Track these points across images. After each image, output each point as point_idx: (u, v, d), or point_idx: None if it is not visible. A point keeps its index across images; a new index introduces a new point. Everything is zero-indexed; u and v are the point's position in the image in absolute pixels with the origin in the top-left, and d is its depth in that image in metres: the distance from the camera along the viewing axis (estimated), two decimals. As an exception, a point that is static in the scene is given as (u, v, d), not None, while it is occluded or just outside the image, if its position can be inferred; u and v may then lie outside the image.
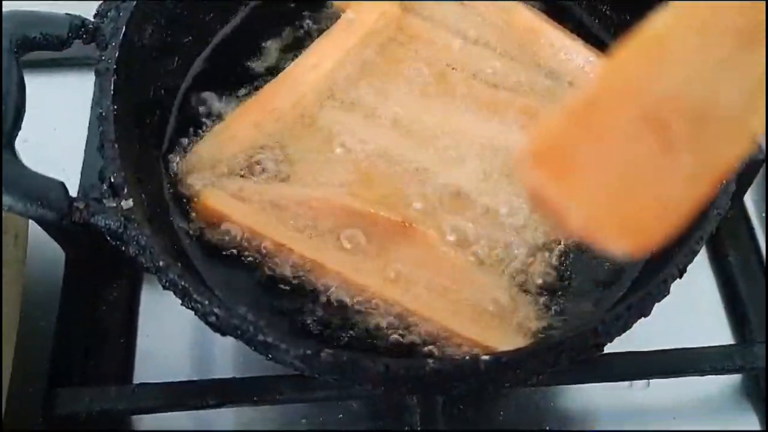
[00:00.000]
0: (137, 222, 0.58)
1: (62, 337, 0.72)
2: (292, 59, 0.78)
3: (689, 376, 0.69)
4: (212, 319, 0.56)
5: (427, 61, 0.79)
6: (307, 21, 0.82)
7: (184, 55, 0.78)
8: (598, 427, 0.73)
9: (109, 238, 0.59)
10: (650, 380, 0.73)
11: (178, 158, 0.72)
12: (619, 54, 0.40)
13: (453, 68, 0.79)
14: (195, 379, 0.69)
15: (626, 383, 0.73)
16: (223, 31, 0.81)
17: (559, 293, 0.67)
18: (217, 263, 0.68)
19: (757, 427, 0.73)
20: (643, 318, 0.58)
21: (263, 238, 0.67)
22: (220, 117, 0.75)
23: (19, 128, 0.60)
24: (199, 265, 0.68)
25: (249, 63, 0.79)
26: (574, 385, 0.73)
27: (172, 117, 0.75)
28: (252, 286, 0.67)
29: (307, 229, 0.69)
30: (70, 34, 0.65)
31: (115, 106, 0.63)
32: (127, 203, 0.59)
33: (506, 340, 0.63)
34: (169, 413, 0.68)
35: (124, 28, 0.66)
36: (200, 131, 0.74)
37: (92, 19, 0.68)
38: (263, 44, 0.80)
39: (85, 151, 0.80)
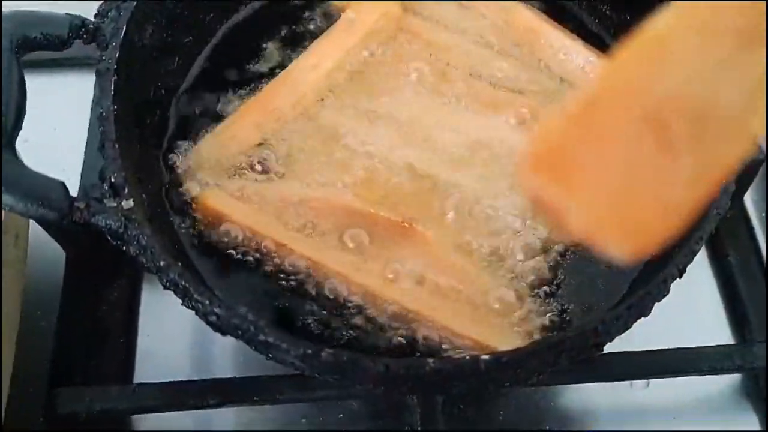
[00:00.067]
0: (138, 222, 0.58)
1: (63, 337, 0.72)
2: (293, 59, 0.78)
3: (689, 375, 0.70)
4: (213, 318, 0.56)
5: (427, 61, 0.79)
6: (308, 21, 0.82)
7: (185, 55, 0.78)
8: (598, 427, 0.73)
9: (109, 238, 0.59)
10: (650, 380, 0.73)
11: (178, 158, 0.72)
12: (619, 55, 0.40)
13: (453, 68, 0.79)
14: (195, 378, 0.69)
15: (626, 383, 0.73)
16: (223, 31, 0.81)
17: (559, 293, 0.67)
18: (217, 263, 0.68)
19: (757, 427, 0.73)
20: (642, 318, 0.58)
21: (263, 238, 0.68)
22: (220, 117, 0.75)
23: (20, 128, 0.60)
24: (200, 265, 0.68)
25: (249, 63, 0.79)
26: (573, 385, 0.73)
27: (172, 117, 0.75)
28: (252, 285, 0.67)
29: (307, 229, 0.69)
30: (70, 34, 0.65)
31: (116, 106, 0.63)
32: (128, 203, 0.59)
33: (506, 339, 0.63)
34: (170, 413, 0.68)
35: (124, 28, 0.66)
36: (201, 131, 0.74)
37: (93, 19, 0.68)
38: (263, 44, 0.80)
39: (85, 151, 0.80)
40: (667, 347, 0.69)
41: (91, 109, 0.81)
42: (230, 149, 0.72)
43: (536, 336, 0.64)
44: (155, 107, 0.74)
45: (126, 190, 0.59)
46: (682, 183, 0.38)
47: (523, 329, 0.65)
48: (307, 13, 0.82)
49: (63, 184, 0.59)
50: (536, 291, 0.67)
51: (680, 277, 0.59)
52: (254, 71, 0.78)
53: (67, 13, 0.66)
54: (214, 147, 0.72)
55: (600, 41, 0.82)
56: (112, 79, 0.64)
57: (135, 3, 0.67)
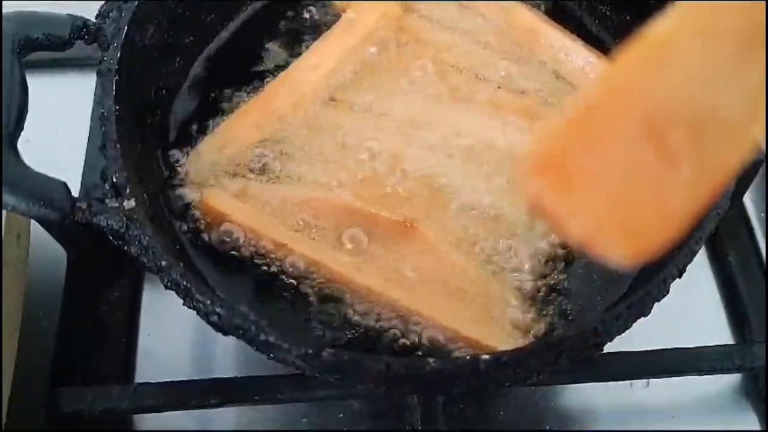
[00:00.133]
0: (139, 222, 0.58)
1: (64, 337, 0.72)
2: (293, 59, 0.78)
3: (689, 375, 0.70)
4: (214, 318, 0.56)
5: (427, 61, 0.79)
6: (308, 21, 0.82)
7: (186, 56, 0.78)
8: (598, 427, 0.73)
9: (111, 238, 0.60)
10: (650, 380, 0.73)
11: (179, 158, 0.72)
12: (619, 60, 0.39)
13: (453, 68, 0.79)
14: (196, 378, 0.69)
15: (626, 383, 0.73)
16: (224, 31, 0.82)
17: (559, 293, 0.67)
18: (218, 263, 0.68)
19: (757, 427, 0.73)
20: (642, 317, 0.58)
21: (264, 238, 0.68)
22: (221, 117, 0.75)
23: (22, 129, 0.60)
24: (201, 264, 0.68)
25: (250, 63, 0.79)
26: (573, 385, 0.73)
27: (173, 117, 0.76)
28: (253, 285, 0.67)
29: (307, 229, 0.69)
30: (72, 35, 0.66)
31: (117, 107, 0.63)
32: (129, 203, 0.59)
33: (506, 339, 0.63)
34: (171, 412, 0.68)
35: (125, 28, 0.66)
36: (201, 131, 0.74)
37: (94, 20, 0.68)
38: (264, 44, 0.81)
39: (86, 151, 0.80)
40: (666, 347, 0.70)
41: (92, 109, 0.81)
42: (231, 149, 0.72)
43: (536, 336, 0.64)
44: (156, 107, 0.74)
45: (127, 190, 0.59)
46: (682, 188, 0.38)
47: (523, 329, 0.65)
48: (307, 14, 0.83)
49: (65, 184, 0.59)
50: (536, 291, 0.67)
51: (680, 277, 0.59)
52: (255, 71, 0.79)
53: (68, 14, 0.66)
54: (215, 147, 0.73)
55: (600, 42, 0.82)
56: (114, 80, 0.64)
57: (136, 3, 0.68)
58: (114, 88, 0.64)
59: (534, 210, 0.38)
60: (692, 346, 0.70)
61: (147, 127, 0.71)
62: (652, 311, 0.59)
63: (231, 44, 0.81)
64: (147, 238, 0.58)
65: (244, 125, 0.74)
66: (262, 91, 0.76)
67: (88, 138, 0.81)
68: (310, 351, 0.54)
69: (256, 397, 0.67)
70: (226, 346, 0.74)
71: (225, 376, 0.69)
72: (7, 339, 0.66)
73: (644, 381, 0.73)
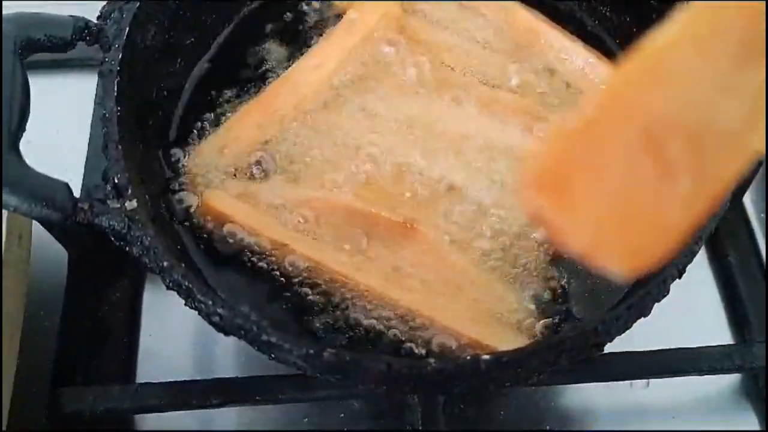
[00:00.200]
0: (141, 223, 0.59)
1: (66, 337, 0.72)
2: (295, 60, 0.78)
3: (689, 375, 0.70)
4: (216, 319, 0.56)
5: (427, 62, 0.79)
6: (309, 22, 0.82)
7: (187, 57, 0.78)
8: (598, 427, 0.73)
9: (113, 239, 0.60)
10: (650, 380, 0.73)
11: (180, 159, 0.72)
12: (617, 74, 0.40)
13: (453, 69, 0.79)
14: (197, 378, 0.69)
15: (626, 383, 0.73)
16: (225, 32, 0.82)
17: (560, 293, 0.67)
18: (219, 263, 0.68)
19: (757, 427, 0.73)
20: (642, 318, 0.58)
21: (265, 238, 0.68)
22: (222, 118, 0.75)
23: (24, 129, 0.60)
24: (202, 265, 0.68)
25: (251, 64, 0.79)
26: (573, 385, 0.73)
27: (174, 118, 0.76)
28: (254, 286, 0.67)
29: (309, 229, 0.69)
30: (73, 36, 0.66)
31: (119, 108, 0.63)
32: (131, 204, 0.59)
33: (507, 339, 0.63)
34: (172, 412, 0.68)
35: (127, 29, 0.66)
36: (203, 132, 0.74)
37: (95, 21, 0.68)
38: (265, 45, 0.81)
39: (87, 151, 0.80)
40: (667, 347, 0.70)
41: (93, 109, 0.81)
42: (232, 150, 0.73)
43: (537, 336, 0.65)
44: (157, 108, 0.74)
45: (129, 191, 0.59)
46: (681, 200, 0.38)
47: (524, 329, 0.65)
48: (308, 14, 0.83)
49: (67, 185, 0.59)
50: (537, 291, 0.67)
51: (680, 277, 0.59)
52: (256, 72, 0.79)
53: (70, 15, 0.67)
54: (216, 148, 0.73)
55: (600, 42, 0.82)
56: (115, 81, 0.64)
57: (137, 4, 0.68)
58: (115, 89, 0.64)
59: (535, 222, 0.38)
60: (692, 346, 0.70)
61: (148, 128, 0.71)
62: (652, 311, 0.59)
63: (232, 45, 0.81)
64: (149, 238, 0.58)
65: (245, 126, 0.74)
66: (263, 92, 0.76)
67: (89, 139, 0.81)
68: (312, 351, 0.54)
69: (257, 398, 0.67)
70: (226, 346, 0.74)
71: (226, 377, 0.69)
72: (8, 339, 0.66)
73: (644, 381, 0.73)
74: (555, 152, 0.39)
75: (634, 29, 0.81)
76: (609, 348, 0.60)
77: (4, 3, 0.71)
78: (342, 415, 0.72)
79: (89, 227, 0.59)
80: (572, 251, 0.37)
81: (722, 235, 0.80)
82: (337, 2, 0.83)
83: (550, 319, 0.65)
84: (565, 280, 0.67)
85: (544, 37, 0.80)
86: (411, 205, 0.70)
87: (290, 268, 0.67)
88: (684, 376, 0.70)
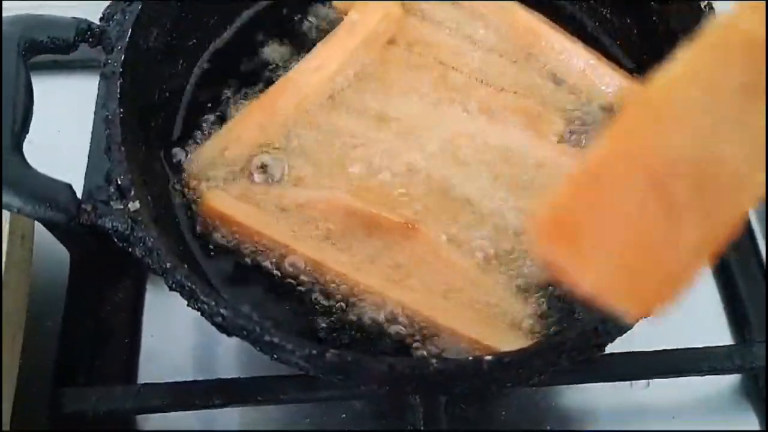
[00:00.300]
0: (144, 224, 0.59)
1: (68, 337, 0.73)
2: (296, 61, 0.78)
3: (689, 376, 0.70)
4: (218, 319, 0.56)
5: (428, 63, 0.79)
6: (311, 23, 0.83)
7: (189, 58, 0.78)
8: (598, 427, 0.73)
9: (116, 240, 0.60)
10: (650, 380, 0.73)
11: (182, 160, 0.73)
12: (620, 118, 0.39)
13: (454, 70, 0.79)
14: (198, 378, 0.69)
15: (626, 383, 0.73)
16: (227, 33, 0.82)
17: (561, 293, 0.67)
18: (221, 264, 0.68)
19: (757, 427, 0.73)
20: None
21: (266, 239, 0.68)
22: (224, 119, 0.75)
23: (27, 131, 0.60)
24: (204, 265, 0.68)
25: (253, 65, 0.79)
26: (574, 385, 0.74)
27: (176, 119, 0.76)
28: (255, 286, 0.68)
29: (310, 230, 0.69)
30: (76, 38, 0.66)
31: (121, 109, 0.63)
32: (134, 205, 0.59)
33: (508, 340, 0.63)
34: (174, 412, 0.69)
35: (129, 31, 0.66)
36: (205, 133, 0.75)
37: (98, 23, 0.68)
38: (266, 47, 0.81)
39: (89, 152, 0.80)
40: (667, 348, 0.70)
41: (95, 110, 0.81)
42: (234, 151, 0.73)
43: (538, 336, 0.65)
44: (160, 109, 0.74)
45: (132, 192, 0.59)
46: (689, 242, 0.38)
47: (525, 329, 0.65)
48: (310, 16, 0.83)
49: (70, 187, 0.59)
50: (537, 291, 0.67)
51: (681, 278, 0.59)
52: (258, 73, 0.79)
53: (73, 17, 0.67)
54: (218, 149, 0.73)
55: (600, 44, 0.83)
56: (118, 83, 0.64)
57: (140, 6, 0.68)
58: (118, 90, 0.64)
59: (546, 267, 0.38)
60: (692, 346, 0.70)
61: (150, 130, 0.71)
62: (653, 312, 0.59)
63: (233, 46, 0.81)
64: (152, 239, 0.58)
65: (246, 127, 0.74)
66: (264, 93, 0.76)
67: (91, 139, 0.81)
68: (314, 352, 0.54)
69: (259, 398, 0.67)
70: (228, 346, 0.74)
71: (228, 377, 0.69)
72: (10, 339, 0.66)
73: (645, 381, 0.73)
74: (564, 200, 0.39)
75: (635, 31, 0.81)
76: (610, 348, 0.60)
77: (7, 5, 0.72)
78: (344, 415, 0.72)
79: (92, 228, 0.59)
80: (585, 293, 0.38)
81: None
82: (337, 3, 0.83)
83: (551, 319, 0.66)
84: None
85: (544, 39, 0.80)
86: (412, 205, 0.70)
87: (291, 269, 0.67)
88: (684, 376, 0.70)
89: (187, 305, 0.58)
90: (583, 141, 0.76)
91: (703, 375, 0.70)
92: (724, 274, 0.80)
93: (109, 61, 0.66)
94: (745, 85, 0.39)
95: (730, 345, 0.75)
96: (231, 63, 0.80)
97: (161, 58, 0.73)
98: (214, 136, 0.74)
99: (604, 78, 0.78)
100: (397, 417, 0.71)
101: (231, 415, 0.72)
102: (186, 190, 0.71)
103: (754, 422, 0.74)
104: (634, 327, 0.58)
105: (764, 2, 0.40)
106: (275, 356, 0.57)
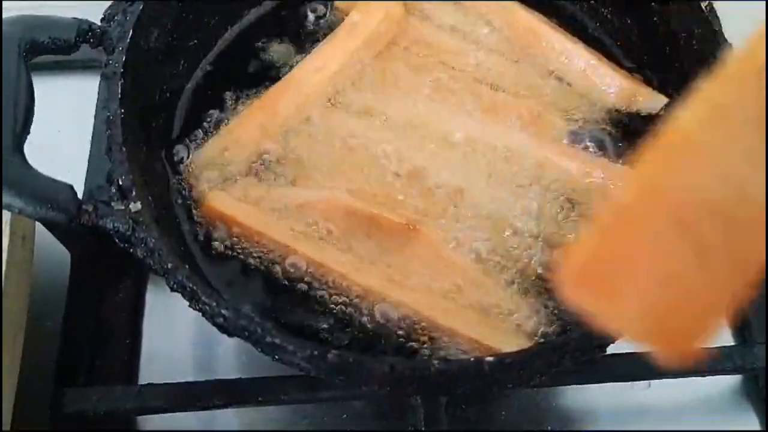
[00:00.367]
0: (145, 224, 0.59)
1: (68, 338, 0.73)
2: (297, 62, 0.78)
3: (690, 376, 0.70)
4: (220, 320, 0.56)
5: (429, 64, 0.80)
6: (312, 23, 0.83)
7: (190, 58, 0.78)
8: (599, 427, 0.73)
9: (117, 241, 0.60)
10: (651, 380, 0.73)
11: (183, 161, 0.73)
12: (644, 160, 0.39)
13: (455, 70, 0.79)
14: (199, 379, 0.70)
15: (627, 383, 0.73)
16: (228, 34, 0.82)
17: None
18: (222, 264, 0.68)
19: (757, 427, 0.73)
20: (645, 319, 0.59)
21: (268, 240, 0.68)
22: (225, 120, 0.75)
23: (28, 132, 0.60)
24: (205, 266, 0.68)
25: (254, 66, 0.79)
26: (575, 386, 0.74)
27: (177, 120, 0.76)
28: (256, 287, 0.67)
29: (311, 230, 0.69)
30: (77, 38, 0.66)
31: (122, 110, 0.63)
32: (135, 206, 0.59)
33: (509, 340, 0.63)
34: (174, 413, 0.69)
35: (130, 32, 0.67)
36: (205, 133, 0.75)
37: (99, 24, 0.68)
38: (267, 47, 0.81)
39: (89, 153, 0.80)
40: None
41: (95, 111, 0.81)
42: (235, 151, 0.73)
43: (539, 337, 0.65)
44: (161, 110, 0.74)
45: (133, 193, 0.59)
46: (719, 284, 0.38)
47: (527, 331, 0.65)
48: (311, 16, 0.83)
49: (71, 187, 0.59)
50: (539, 293, 0.67)
51: (682, 279, 0.59)
52: (259, 74, 0.79)
53: (74, 18, 0.67)
54: (219, 149, 0.73)
55: (601, 44, 0.83)
56: (119, 83, 0.64)
57: (141, 7, 0.68)
58: (119, 91, 0.64)
59: (578, 312, 0.38)
60: (693, 347, 0.70)
61: (152, 130, 0.71)
62: (654, 313, 0.59)
63: (234, 47, 0.81)
64: (153, 240, 0.58)
65: (247, 127, 0.74)
66: (265, 94, 0.76)
67: (91, 140, 0.81)
68: (316, 353, 0.54)
69: (260, 399, 0.67)
70: (228, 346, 0.75)
71: (228, 377, 0.69)
72: (11, 339, 0.66)
73: (645, 381, 0.73)
74: (591, 245, 0.39)
75: (635, 31, 0.81)
76: (611, 349, 0.60)
77: (8, 5, 0.71)
78: (344, 415, 0.72)
79: (93, 229, 0.59)
80: (618, 336, 0.38)
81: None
82: (339, 3, 0.83)
83: (553, 320, 0.66)
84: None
85: (545, 39, 0.81)
86: (413, 206, 0.70)
87: (292, 269, 0.67)
88: (685, 377, 0.70)
89: (189, 306, 0.58)
90: (584, 141, 0.76)
91: (704, 376, 0.70)
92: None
93: (111, 62, 0.66)
94: (763, 115, 0.38)
95: (731, 346, 0.75)
96: (232, 63, 0.80)
97: (162, 59, 0.73)
98: (214, 136, 0.74)
99: (604, 78, 0.79)
100: (398, 417, 0.72)
101: (231, 416, 0.73)
102: (187, 190, 0.71)
103: (754, 422, 0.74)
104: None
105: None
106: (276, 357, 0.57)
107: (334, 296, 0.66)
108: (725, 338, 0.77)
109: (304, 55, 0.79)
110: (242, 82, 0.78)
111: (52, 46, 0.65)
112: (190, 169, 0.72)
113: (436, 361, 0.55)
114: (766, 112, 0.37)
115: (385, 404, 0.73)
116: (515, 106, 0.77)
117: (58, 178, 0.60)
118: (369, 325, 0.65)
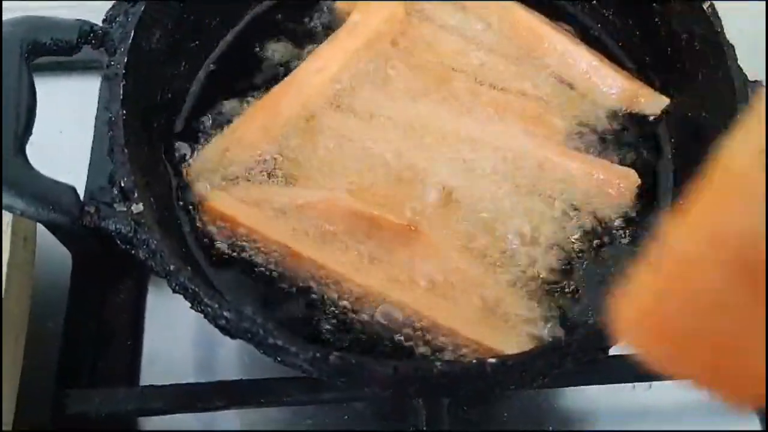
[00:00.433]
0: (147, 226, 0.59)
1: (70, 339, 0.73)
2: (298, 63, 0.78)
3: (691, 377, 0.70)
4: (222, 322, 0.56)
5: (431, 65, 0.79)
6: (313, 24, 0.83)
7: (191, 59, 0.78)
8: (600, 428, 0.73)
9: (119, 242, 0.60)
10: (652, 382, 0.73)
11: (185, 162, 0.73)
12: (697, 200, 0.37)
13: (457, 71, 0.79)
14: (200, 380, 0.70)
15: (628, 384, 0.73)
16: (229, 35, 0.82)
17: (565, 296, 0.67)
18: (223, 265, 0.68)
19: (758, 427, 0.74)
20: (647, 321, 0.59)
21: (269, 241, 0.68)
22: (226, 120, 0.75)
23: (30, 133, 0.60)
24: (206, 267, 0.68)
25: (255, 67, 0.79)
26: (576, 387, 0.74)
27: (179, 121, 0.76)
28: (257, 288, 0.67)
29: (312, 231, 0.69)
30: (79, 40, 0.66)
31: (124, 111, 0.63)
32: (137, 207, 0.59)
33: (510, 341, 0.63)
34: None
35: (132, 33, 0.66)
36: (207, 135, 0.75)
37: (101, 25, 0.68)
38: (269, 48, 0.81)
39: (91, 154, 0.80)
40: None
41: (96, 112, 0.81)
42: (236, 152, 0.73)
43: (541, 339, 0.65)
44: (162, 111, 0.74)
45: (135, 195, 0.59)
46: None
47: (528, 332, 0.65)
48: (312, 17, 0.83)
49: (73, 189, 0.59)
50: (541, 294, 0.67)
51: (685, 281, 0.59)
52: (260, 75, 0.79)
53: (76, 19, 0.67)
54: (221, 150, 0.73)
55: (603, 45, 0.83)
56: (121, 84, 0.64)
57: (143, 8, 0.68)
58: (121, 92, 0.64)
59: (638, 357, 0.38)
60: (695, 348, 0.70)
61: (153, 131, 0.71)
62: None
63: (236, 47, 0.81)
64: (155, 242, 0.58)
65: (249, 128, 0.74)
66: (266, 95, 0.76)
67: (93, 141, 0.81)
68: (318, 355, 0.54)
69: (261, 400, 0.67)
70: (229, 348, 0.75)
71: (229, 379, 0.69)
72: (13, 341, 0.66)
73: (647, 383, 0.73)
74: (648, 291, 0.38)
75: (637, 32, 0.81)
76: (612, 350, 0.60)
77: (10, 6, 0.71)
78: (346, 416, 0.72)
79: (95, 231, 0.59)
80: (683, 383, 0.37)
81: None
82: (340, 4, 0.83)
83: (555, 322, 0.66)
84: (570, 284, 0.68)
85: (547, 40, 0.81)
86: (414, 207, 0.70)
87: (294, 271, 0.67)
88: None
89: (191, 308, 0.58)
90: (585, 142, 0.76)
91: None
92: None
93: (112, 63, 0.66)
94: None
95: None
96: (233, 64, 0.80)
97: (164, 60, 0.73)
98: (216, 137, 0.74)
99: (606, 79, 0.79)
100: (400, 418, 0.72)
101: (232, 417, 0.73)
102: (189, 191, 0.71)
103: (754, 422, 0.74)
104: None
105: None
106: (279, 359, 0.57)
107: (335, 297, 0.67)
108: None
109: (305, 56, 0.79)
110: (243, 83, 0.78)
111: (54, 47, 0.64)
112: (192, 170, 0.72)
113: (438, 363, 0.55)
114: None
115: (386, 405, 0.73)
116: (516, 106, 0.77)
117: (59, 179, 0.60)
118: (370, 326, 0.65)
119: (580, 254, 0.69)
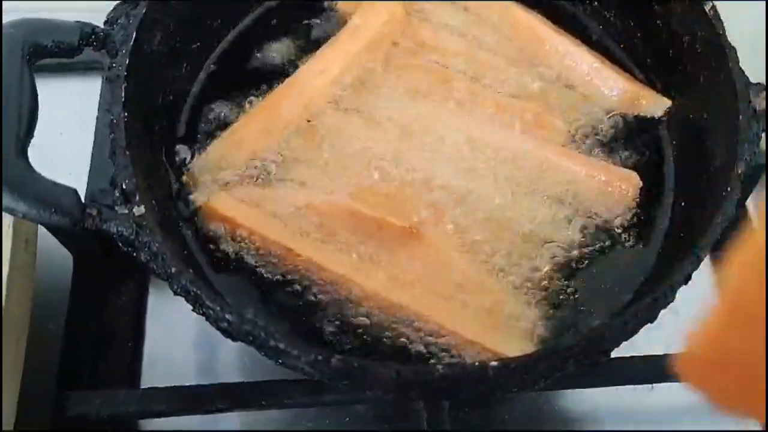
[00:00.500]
0: (149, 228, 0.58)
1: (71, 341, 0.73)
2: (299, 65, 0.78)
3: (692, 379, 0.70)
4: (224, 325, 0.56)
5: (432, 67, 0.80)
6: (314, 26, 0.83)
7: (193, 61, 0.78)
8: (601, 429, 0.73)
9: (120, 245, 0.60)
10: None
11: (186, 164, 0.73)
12: (748, 243, 0.38)
13: (457, 73, 0.79)
14: (201, 382, 0.69)
15: (630, 386, 0.73)
16: (230, 36, 0.82)
17: (567, 299, 0.67)
18: (224, 267, 0.68)
19: (757, 427, 0.73)
20: (649, 323, 0.59)
21: (270, 242, 0.68)
22: (227, 122, 0.75)
23: (32, 136, 0.60)
24: (207, 269, 0.68)
25: (256, 69, 0.79)
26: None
27: (180, 123, 0.76)
28: (259, 290, 0.67)
29: (313, 233, 0.69)
30: (80, 42, 0.66)
31: (126, 113, 0.63)
32: (139, 210, 0.59)
33: (513, 345, 0.63)
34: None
35: (134, 34, 0.66)
36: (208, 137, 0.75)
37: (102, 27, 0.68)
38: (270, 50, 0.81)
39: (92, 156, 0.80)
40: (671, 352, 0.70)
41: (97, 113, 0.81)
42: (237, 154, 0.73)
43: (543, 341, 0.65)
44: (164, 113, 0.74)
45: (137, 197, 0.59)
46: None
47: (530, 334, 0.65)
48: (313, 19, 0.83)
49: (75, 191, 0.59)
50: (543, 296, 0.67)
51: (686, 283, 0.59)
52: (261, 77, 0.79)
53: (77, 21, 0.67)
54: (222, 152, 0.73)
55: (604, 47, 0.83)
56: (123, 86, 0.64)
57: (144, 10, 0.68)
58: (123, 94, 0.64)
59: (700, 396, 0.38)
60: (696, 349, 0.70)
61: (155, 133, 0.71)
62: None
63: (237, 49, 0.81)
64: (157, 244, 0.58)
65: (250, 130, 0.74)
66: (268, 97, 0.76)
67: (94, 142, 0.81)
68: (320, 357, 0.54)
69: (263, 402, 0.67)
70: (230, 350, 0.75)
71: (230, 381, 0.69)
72: (14, 343, 0.66)
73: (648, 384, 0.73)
74: (709, 333, 0.39)
75: (638, 34, 0.81)
76: (614, 352, 0.60)
77: (11, 7, 0.71)
78: (347, 418, 0.72)
79: (96, 233, 0.59)
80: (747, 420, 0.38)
81: (724, 239, 0.80)
82: (341, 5, 0.83)
83: (557, 324, 0.66)
84: (571, 286, 0.68)
85: (549, 42, 0.81)
86: (416, 209, 0.70)
87: (295, 272, 0.67)
88: (687, 380, 0.70)
89: (192, 310, 0.58)
90: (586, 144, 0.76)
91: (706, 377, 0.70)
92: (726, 276, 0.80)
93: (114, 65, 0.65)
94: None
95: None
96: (234, 66, 0.80)
97: (165, 62, 0.73)
98: (217, 139, 0.74)
99: (607, 81, 0.79)
100: (401, 420, 0.72)
101: (233, 418, 0.72)
102: (190, 193, 0.71)
103: (754, 422, 0.74)
104: (638, 332, 0.59)
105: None
106: (280, 361, 0.57)
107: (335, 298, 0.66)
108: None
109: (306, 57, 0.79)
110: (245, 84, 0.78)
111: (55, 49, 0.64)
112: (193, 172, 0.72)
113: (440, 366, 0.55)
114: None
115: (388, 407, 0.73)
116: (517, 108, 0.77)
117: (60, 180, 0.60)
118: (372, 329, 0.65)
119: (582, 256, 0.69)
